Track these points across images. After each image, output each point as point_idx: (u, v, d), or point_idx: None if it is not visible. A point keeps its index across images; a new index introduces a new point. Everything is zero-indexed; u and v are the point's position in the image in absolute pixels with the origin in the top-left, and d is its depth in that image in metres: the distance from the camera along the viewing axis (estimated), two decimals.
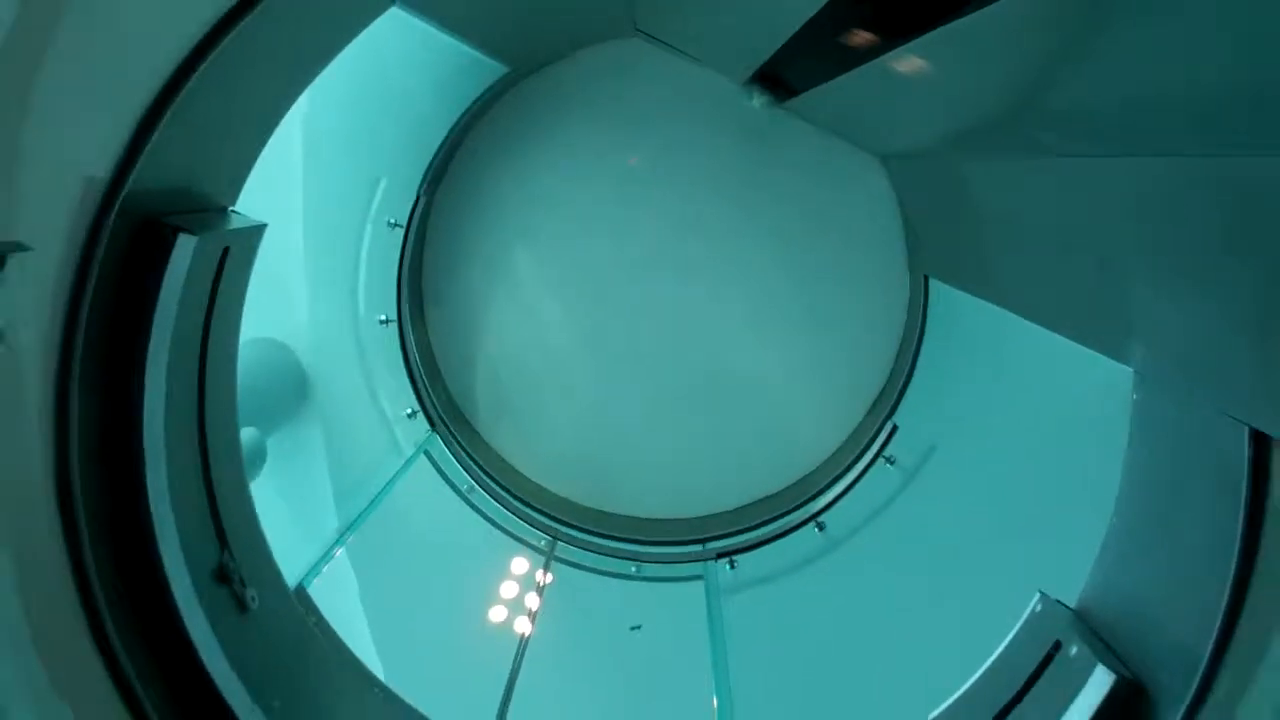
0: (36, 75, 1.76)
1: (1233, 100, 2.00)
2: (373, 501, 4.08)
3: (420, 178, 4.88)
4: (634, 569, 4.92)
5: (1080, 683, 2.49)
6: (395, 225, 4.82)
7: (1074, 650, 2.57)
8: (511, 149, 5.19)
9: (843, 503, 4.86)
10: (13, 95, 1.75)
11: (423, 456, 4.71)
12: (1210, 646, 2.22)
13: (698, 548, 5.07)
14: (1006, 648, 2.87)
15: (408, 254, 4.97)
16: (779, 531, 4.95)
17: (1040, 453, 3.71)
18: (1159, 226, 2.53)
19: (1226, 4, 1.68)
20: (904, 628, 3.85)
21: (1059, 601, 2.81)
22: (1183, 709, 2.26)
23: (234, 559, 2.61)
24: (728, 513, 5.35)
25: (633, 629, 4.35)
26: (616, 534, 5.22)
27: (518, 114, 5.14)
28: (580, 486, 5.42)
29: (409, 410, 4.91)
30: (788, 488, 5.32)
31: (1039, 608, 2.82)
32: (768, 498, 5.33)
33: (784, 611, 4.56)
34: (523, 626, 4.42)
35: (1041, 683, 2.67)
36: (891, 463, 4.77)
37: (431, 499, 4.71)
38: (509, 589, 4.65)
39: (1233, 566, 2.18)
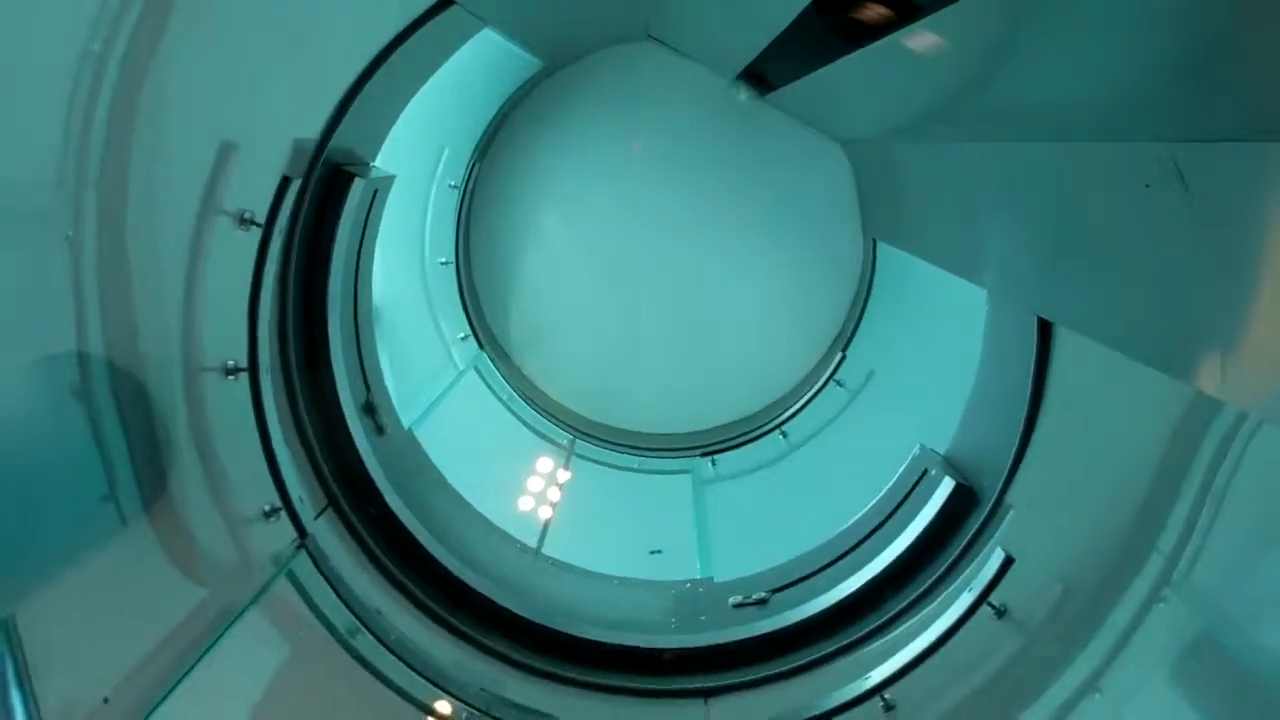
0: (278, 83, 3.05)
1: (1034, 107, 3.25)
2: (436, 400, 5.33)
3: (473, 149, 6.12)
4: (636, 464, 6.20)
5: (933, 490, 3.80)
6: (454, 187, 6.06)
7: (933, 472, 3.85)
8: (544, 128, 6.41)
9: (801, 415, 6.15)
10: (271, 94, 3.06)
11: (472, 370, 5.97)
12: (1009, 464, 3.52)
13: (686, 449, 6.36)
14: (894, 482, 4.16)
15: (462, 210, 6.23)
16: (751, 437, 6.24)
17: (941, 366, 4.97)
18: (999, 190, 3.79)
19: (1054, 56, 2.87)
20: (841, 499, 5.11)
21: (931, 449, 4.09)
22: (992, 500, 3.56)
23: (374, 399, 3.90)
24: (711, 429, 6.62)
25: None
26: (622, 443, 6.49)
27: (550, 100, 6.36)
28: (593, 406, 6.67)
29: (462, 334, 6.17)
30: (761, 410, 6.58)
31: (917, 452, 4.11)
32: (745, 418, 6.60)
33: (753, 496, 5.84)
34: (545, 513, 5.65)
35: (912, 496, 3.96)
36: (841, 385, 6.05)
37: (479, 405, 5.96)
38: (536, 483, 5.87)
39: (1024, 414, 3.48)
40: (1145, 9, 2.19)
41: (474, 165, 6.18)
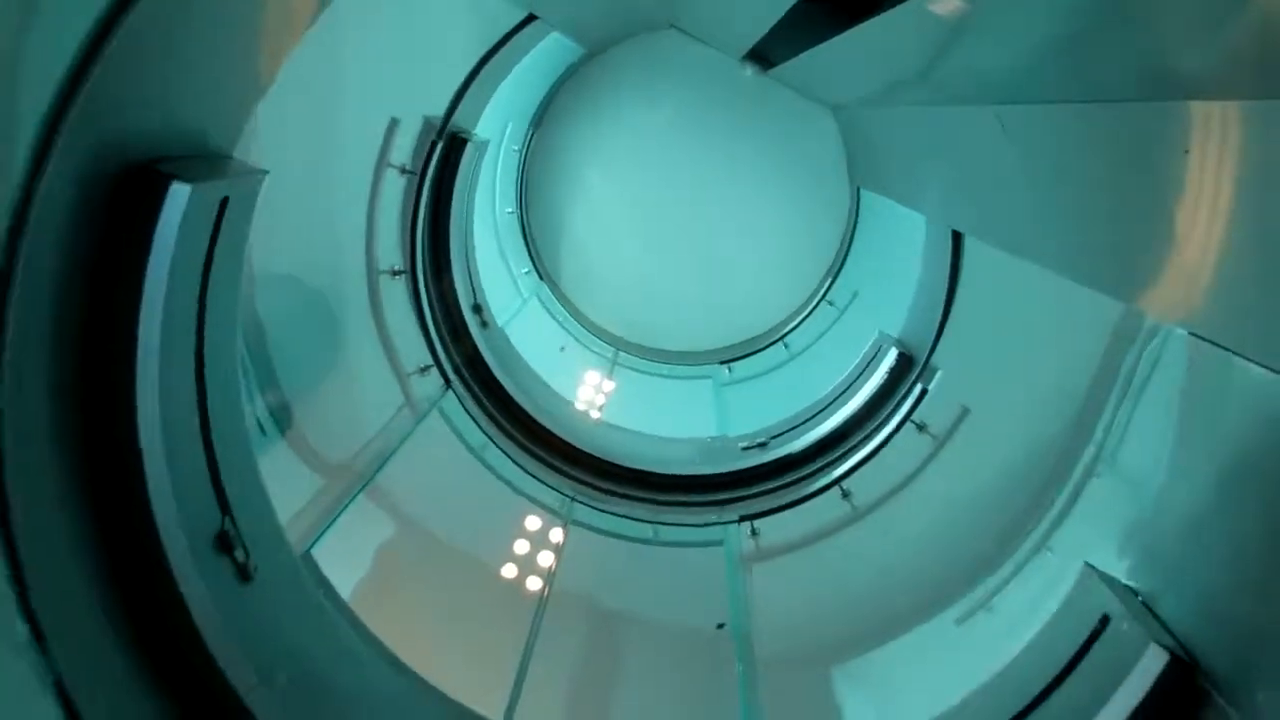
0: (424, 81, 4.55)
1: (956, 78, 4.62)
2: (512, 316, 6.85)
3: (530, 120, 7.61)
4: (667, 371, 7.73)
5: (883, 360, 5.24)
6: (516, 150, 7.56)
7: (885, 347, 5.30)
8: (585, 102, 7.85)
9: (800, 329, 7.63)
10: (419, 88, 4.55)
11: (534, 297, 7.51)
12: (934, 335, 4.94)
13: (708, 361, 7.87)
14: (859, 358, 5.61)
15: (523, 170, 7.73)
16: (759, 349, 7.74)
17: (905, 280, 6.39)
18: (929, 138, 5.19)
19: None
20: (826, 381, 6.55)
21: (887, 333, 5.51)
22: (923, 360, 4.99)
23: (480, 301, 5.42)
24: (728, 346, 8.11)
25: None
26: (655, 358, 8.00)
27: (591, 79, 7.80)
28: (631, 329, 8.17)
29: (525, 270, 7.70)
30: (768, 329, 8.06)
31: (876, 336, 5.54)
32: (755, 336, 8.09)
33: (760, 391, 7.33)
34: (600, 399, 7.14)
35: (869, 367, 5.41)
36: (831, 304, 7.51)
37: (543, 328, 7.49)
38: (591, 379, 7.37)
39: (943, 300, 4.91)
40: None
41: (531, 133, 7.66)
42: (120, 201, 2.14)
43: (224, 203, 2.43)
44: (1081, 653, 2.61)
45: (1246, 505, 2.31)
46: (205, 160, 2.45)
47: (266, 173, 2.64)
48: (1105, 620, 2.57)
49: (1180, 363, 2.73)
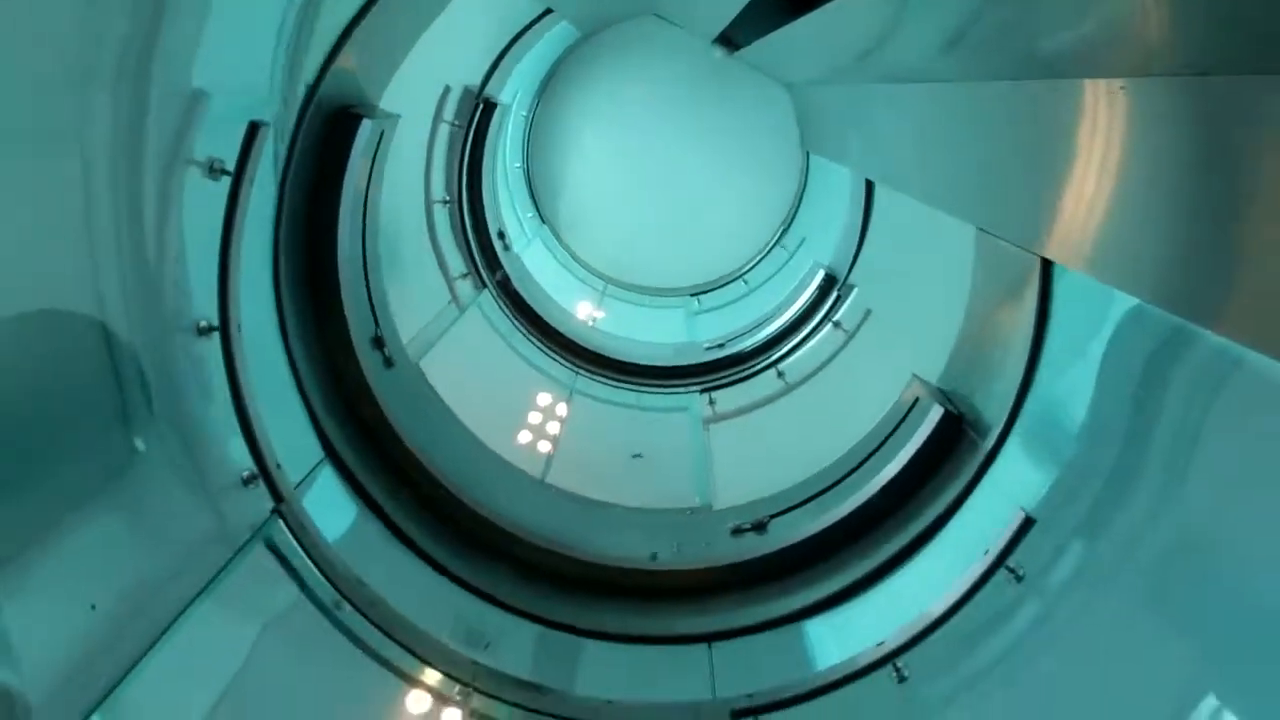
0: (464, 63, 6.09)
1: (877, 62, 6.19)
2: (523, 249, 8.40)
3: (535, 90, 9.13)
4: (648, 302, 9.33)
5: (812, 280, 6.87)
6: (524, 115, 9.08)
7: (816, 273, 6.92)
8: (581, 77, 9.37)
9: (757, 269, 9.25)
10: (461, 67, 6.10)
11: (537, 239, 9.07)
12: (850, 259, 6.57)
13: (681, 294, 9.49)
14: (796, 283, 7.22)
15: (529, 132, 9.27)
16: (724, 284, 9.37)
17: (836, 226, 7.99)
18: (851, 111, 6.77)
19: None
20: (773, 304, 8.16)
21: (819, 264, 7.13)
22: (843, 278, 6.63)
23: (503, 229, 6.98)
24: (698, 283, 9.72)
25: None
26: (638, 291, 9.60)
27: (586, 57, 9.31)
28: (616, 269, 9.76)
29: (530, 215, 9.25)
30: (732, 270, 9.67)
31: (809, 266, 7.16)
32: (721, 275, 9.70)
33: (724, 316, 8.94)
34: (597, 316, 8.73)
35: (805, 291, 7.03)
36: (784, 248, 9.13)
37: (545, 262, 9.05)
38: (585, 305, 8.96)
39: (858, 233, 6.53)
40: None
41: (536, 101, 9.19)
42: (333, 129, 3.71)
43: (382, 134, 3.99)
44: (898, 425, 4.27)
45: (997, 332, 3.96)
46: (369, 106, 4.00)
47: (399, 116, 4.20)
48: (915, 401, 4.22)
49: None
